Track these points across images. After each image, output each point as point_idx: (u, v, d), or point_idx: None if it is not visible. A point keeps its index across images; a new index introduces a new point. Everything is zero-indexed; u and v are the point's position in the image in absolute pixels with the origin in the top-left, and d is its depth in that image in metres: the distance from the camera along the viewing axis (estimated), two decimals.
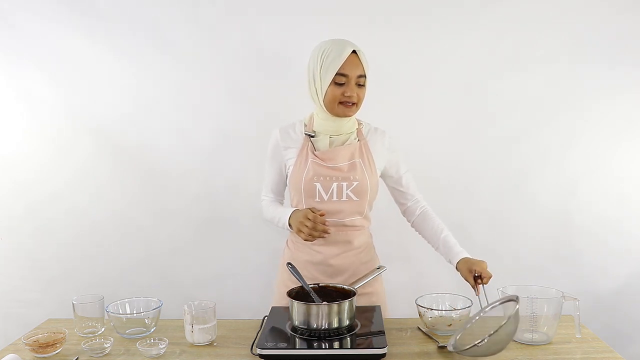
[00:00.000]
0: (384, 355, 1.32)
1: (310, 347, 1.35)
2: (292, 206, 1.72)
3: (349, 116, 1.63)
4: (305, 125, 1.71)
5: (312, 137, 1.67)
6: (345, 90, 1.58)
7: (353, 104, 1.60)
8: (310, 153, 1.65)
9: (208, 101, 2.27)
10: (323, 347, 1.35)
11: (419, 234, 1.77)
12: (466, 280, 1.54)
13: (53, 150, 2.28)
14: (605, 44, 2.20)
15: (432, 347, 1.42)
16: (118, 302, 1.56)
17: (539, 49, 2.21)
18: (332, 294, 1.52)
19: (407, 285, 2.16)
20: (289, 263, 1.54)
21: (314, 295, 1.49)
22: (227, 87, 2.26)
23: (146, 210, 2.32)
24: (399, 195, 1.77)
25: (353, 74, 1.57)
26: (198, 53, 2.23)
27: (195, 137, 2.29)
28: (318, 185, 1.63)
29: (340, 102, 1.59)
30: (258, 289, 2.28)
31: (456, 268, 1.59)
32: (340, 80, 1.57)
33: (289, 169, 1.70)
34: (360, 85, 1.60)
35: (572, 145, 2.28)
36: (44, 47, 2.21)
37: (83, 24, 2.20)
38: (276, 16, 2.21)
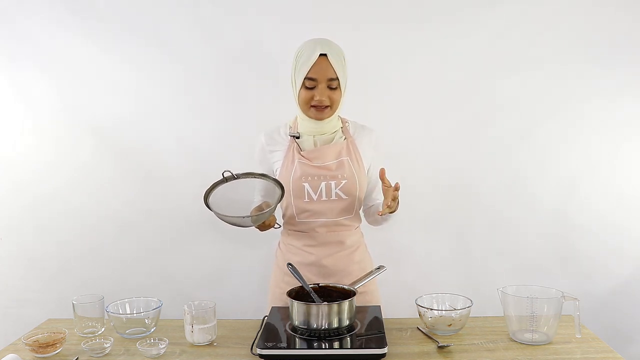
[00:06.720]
0: (384, 355, 1.32)
1: (310, 347, 1.35)
2: (281, 208, 1.72)
3: (323, 119, 1.63)
4: (290, 128, 1.72)
5: (297, 138, 1.68)
6: (314, 94, 1.58)
7: (326, 107, 1.60)
8: (296, 153, 1.65)
9: (208, 101, 2.27)
10: (323, 347, 1.35)
11: (366, 216, 1.80)
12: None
13: (53, 150, 2.28)
14: (604, 44, 2.20)
15: (432, 347, 1.42)
16: (118, 302, 1.55)
17: (539, 49, 2.21)
18: (332, 294, 1.52)
19: (407, 285, 2.16)
20: (289, 264, 1.54)
21: (314, 295, 1.49)
22: (226, 88, 2.26)
23: (146, 210, 2.32)
24: (366, 197, 1.75)
25: (322, 77, 1.57)
26: (198, 53, 2.23)
27: (195, 137, 2.29)
28: (306, 185, 1.63)
29: (312, 105, 1.60)
30: (258, 289, 2.28)
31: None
32: (309, 84, 1.58)
33: (276, 171, 1.70)
34: (333, 89, 1.59)
35: (572, 145, 2.28)
36: (44, 48, 2.22)
37: (83, 24, 2.20)
38: (276, 16, 2.21)
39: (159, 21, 2.22)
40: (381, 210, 1.53)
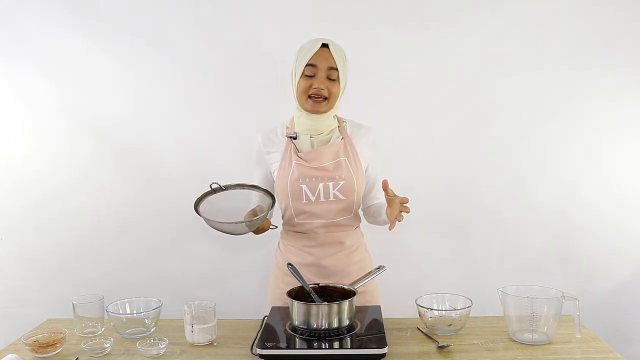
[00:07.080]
0: (384, 355, 1.32)
1: (310, 347, 1.35)
2: (280, 209, 1.72)
3: (320, 112, 1.62)
4: (287, 128, 1.71)
5: (294, 138, 1.67)
6: (313, 82, 1.59)
7: (323, 98, 1.60)
8: (293, 155, 1.65)
9: (208, 101, 2.27)
10: (323, 347, 1.35)
11: (366, 216, 1.79)
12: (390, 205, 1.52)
13: (53, 151, 2.28)
14: (604, 44, 2.20)
15: (432, 347, 1.42)
16: (118, 302, 1.56)
17: (539, 49, 2.21)
18: (332, 294, 1.52)
19: (407, 285, 2.16)
20: (289, 264, 1.54)
21: (314, 295, 1.49)
22: (226, 87, 2.26)
23: (146, 210, 2.32)
24: (365, 196, 1.75)
25: (322, 65, 1.58)
26: (198, 53, 2.23)
27: (195, 137, 2.29)
28: (304, 186, 1.63)
29: (310, 96, 1.60)
30: (258, 289, 2.28)
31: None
32: (309, 72, 1.59)
33: (274, 172, 1.69)
34: (332, 80, 1.60)
35: (572, 145, 2.28)
36: (44, 48, 2.22)
37: (83, 24, 2.20)
38: (276, 16, 2.21)
39: (159, 21, 2.21)
40: (389, 225, 1.50)
